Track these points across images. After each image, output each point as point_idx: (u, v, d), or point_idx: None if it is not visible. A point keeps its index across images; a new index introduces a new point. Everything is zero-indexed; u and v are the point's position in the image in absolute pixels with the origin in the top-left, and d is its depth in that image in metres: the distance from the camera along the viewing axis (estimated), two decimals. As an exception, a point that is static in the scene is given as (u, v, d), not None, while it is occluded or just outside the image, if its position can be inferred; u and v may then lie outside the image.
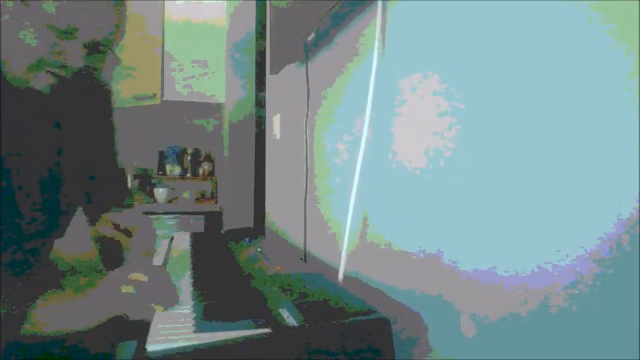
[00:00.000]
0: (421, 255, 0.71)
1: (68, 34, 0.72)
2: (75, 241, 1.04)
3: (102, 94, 1.03)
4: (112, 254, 1.00)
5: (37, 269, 0.87)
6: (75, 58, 0.74)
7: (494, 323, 0.55)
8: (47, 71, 0.74)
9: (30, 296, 0.68)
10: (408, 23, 0.76)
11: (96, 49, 0.77)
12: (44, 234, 0.91)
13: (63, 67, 0.75)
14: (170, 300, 0.67)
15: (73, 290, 0.71)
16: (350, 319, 0.58)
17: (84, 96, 0.95)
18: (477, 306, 0.58)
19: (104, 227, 0.98)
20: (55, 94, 0.79)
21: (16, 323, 0.66)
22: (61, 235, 0.95)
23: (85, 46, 0.75)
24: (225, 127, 2.95)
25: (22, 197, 0.83)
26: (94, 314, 0.69)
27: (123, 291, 0.67)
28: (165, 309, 0.65)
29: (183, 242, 1.26)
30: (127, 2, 0.80)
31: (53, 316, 0.68)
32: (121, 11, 0.78)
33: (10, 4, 0.70)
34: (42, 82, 0.75)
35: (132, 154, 3.13)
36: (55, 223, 0.93)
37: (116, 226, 0.97)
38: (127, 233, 0.98)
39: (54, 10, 0.70)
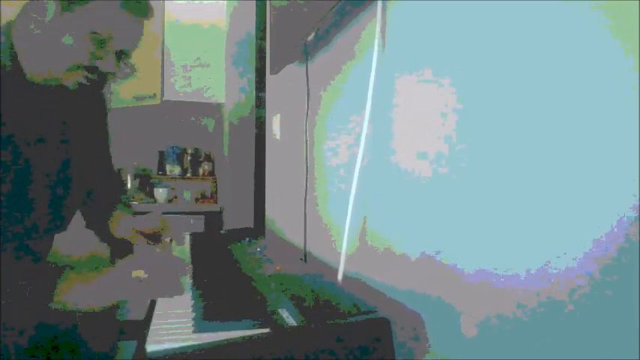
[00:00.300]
0: (421, 255, 0.71)
1: (103, 42, 0.81)
2: (76, 240, 1.07)
3: (102, 96, 1.09)
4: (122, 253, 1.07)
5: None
6: (108, 64, 0.83)
7: (494, 323, 0.55)
8: (80, 73, 0.82)
9: (50, 277, 0.75)
10: (408, 23, 0.76)
11: (120, 57, 0.85)
12: (55, 226, 0.96)
13: (94, 70, 0.83)
14: (175, 289, 0.74)
15: (89, 272, 0.79)
16: (350, 319, 0.58)
17: (92, 97, 1.01)
18: (476, 306, 0.58)
19: (126, 232, 1.09)
20: (78, 93, 0.87)
21: (43, 301, 0.72)
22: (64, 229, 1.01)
23: (114, 53, 0.84)
24: (225, 127, 2.95)
25: (40, 189, 0.87)
26: (110, 294, 0.76)
27: (133, 275, 0.75)
28: (171, 296, 0.73)
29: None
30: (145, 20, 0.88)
31: (76, 294, 0.75)
32: (143, 25, 0.87)
33: (54, 8, 0.78)
34: (72, 81, 0.83)
35: (132, 154, 3.13)
36: (62, 216, 0.98)
37: (142, 233, 1.09)
38: (155, 238, 1.09)
39: (93, 19, 0.79)
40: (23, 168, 0.82)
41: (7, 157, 0.78)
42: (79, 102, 0.95)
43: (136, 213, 1.17)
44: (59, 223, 0.96)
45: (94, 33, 0.79)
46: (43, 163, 0.87)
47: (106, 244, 1.11)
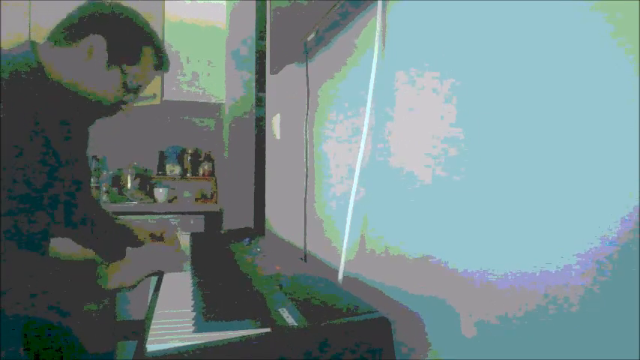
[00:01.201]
0: (421, 255, 0.71)
1: (131, 90, 0.98)
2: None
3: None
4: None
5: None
6: (129, 106, 1.02)
7: (493, 324, 0.55)
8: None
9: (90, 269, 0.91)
10: (408, 23, 0.76)
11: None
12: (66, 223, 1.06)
13: (117, 109, 1.01)
14: (181, 267, 0.96)
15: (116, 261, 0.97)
16: (350, 319, 0.58)
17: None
18: (476, 306, 0.58)
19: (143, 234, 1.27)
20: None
21: (100, 284, 0.89)
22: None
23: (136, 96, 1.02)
24: (225, 127, 2.95)
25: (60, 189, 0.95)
26: (141, 270, 0.94)
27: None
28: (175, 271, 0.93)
29: (183, 242, 1.26)
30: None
31: (117, 276, 0.92)
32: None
33: (102, 59, 0.92)
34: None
35: (132, 154, 3.13)
36: (72, 221, 1.06)
37: (152, 235, 1.25)
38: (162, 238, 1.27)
39: (133, 76, 0.96)
40: (52, 165, 0.88)
41: (40, 152, 0.84)
42: (90, 110, 1.03)
43: (136, 213, 1.23)
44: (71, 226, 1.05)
45: (127, 84, 0.95)
46: (67, 162, 0.94)
47: (91, 249, 1.20)
